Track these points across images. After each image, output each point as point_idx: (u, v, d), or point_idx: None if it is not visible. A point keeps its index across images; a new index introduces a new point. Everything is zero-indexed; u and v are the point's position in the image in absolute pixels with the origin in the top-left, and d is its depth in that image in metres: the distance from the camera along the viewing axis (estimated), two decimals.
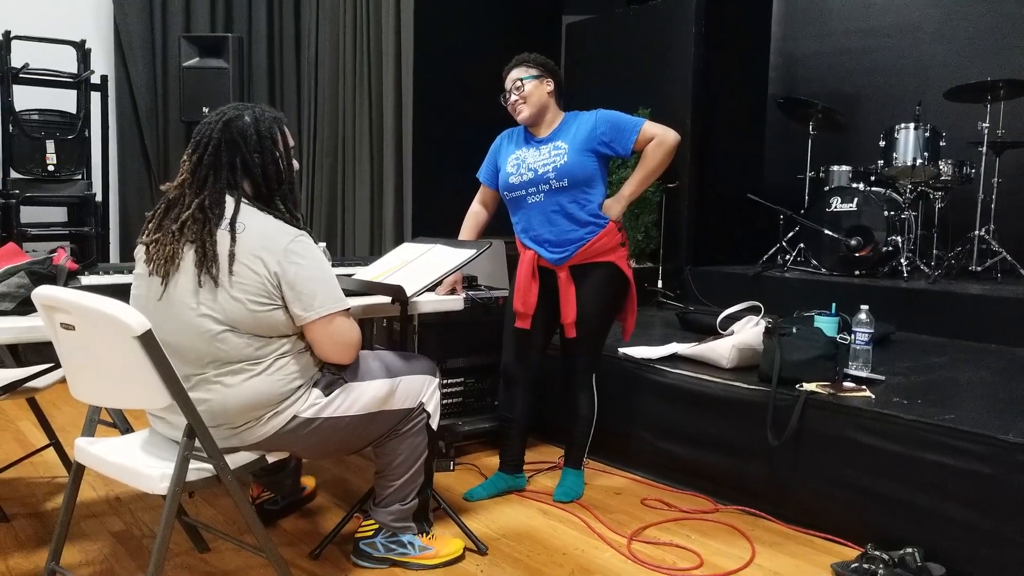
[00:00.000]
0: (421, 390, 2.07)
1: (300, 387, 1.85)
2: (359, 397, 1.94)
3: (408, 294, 2.14)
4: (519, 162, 2.61)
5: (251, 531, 1.82)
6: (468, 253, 2.26)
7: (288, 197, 1.87)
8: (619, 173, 4.43)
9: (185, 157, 1.83)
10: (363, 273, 2.43)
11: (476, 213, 2.79)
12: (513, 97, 2.57)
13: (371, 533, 2.14)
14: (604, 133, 2.52)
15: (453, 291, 2.55)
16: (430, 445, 2.12)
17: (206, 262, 1.71)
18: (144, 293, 1.81)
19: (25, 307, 1.88)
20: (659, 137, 2.52)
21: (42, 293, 1.69)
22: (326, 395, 1.89)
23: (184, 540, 2.26)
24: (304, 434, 1.86)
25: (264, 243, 1.73)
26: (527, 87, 2.55)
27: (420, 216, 4.48)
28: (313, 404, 1.86)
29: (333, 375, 1.93)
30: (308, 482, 2.66)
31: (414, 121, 4.44)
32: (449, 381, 3.16)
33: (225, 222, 1.74)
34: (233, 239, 1.72)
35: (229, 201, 1.77)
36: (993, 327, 3.50)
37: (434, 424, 2.12)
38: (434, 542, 2.19)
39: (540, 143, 2.59)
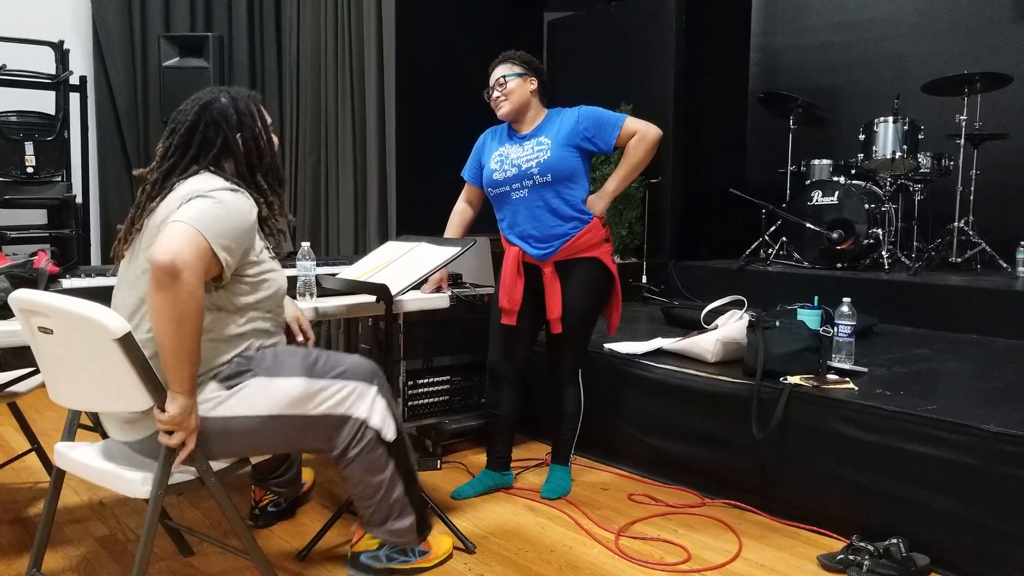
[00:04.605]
0: (351, 399, 1.84)
1: (198, 383, 1.69)
2: (266, 394, 1.75)
3: (393, 293, 2.13)
4: (502, 158, 2.61)
5: (236, 533, 1.81)
6: (452, 251, 2.26)
7: (271, 172, 1.86)
8: (601, 169, 4.43)
9: (160, 144, 1.81)
10: (348, 272, 2.42)
11: (461, 211, 2.79)
12: (495, 93, 2.58)
13: (375, 547, 2.06)
14: (587, 129, 2.54)
15: (439, 289, 2.55)
16: (394, 456, 1.91)
17: (131, 233, 1.71)
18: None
19: (4, 311, 1.86)
20: (641, 133, 2.54)
21: (19, 297, 1.67)
22: (227, 388, 1.73)
23: (169, 544, 2.25)
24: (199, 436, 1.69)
25: (187, 189, 1.66)
26: (510, 84, 2.56)
27: (404, 214, 4.46)
28: (207, 400, 1.70)
29: (243, 366, 1.75)
30: (307, 476, 2.61)
31: (397, 119, 4.42)
32: (435, 379, 3.16)
33: (167, 191, 1.71)
34: (161, 199, 1.69)
35: (192, 172, 1.75)
36: (973, 318, 3.53)
37: (388, 435, 1.89)
38: (429, 544, 2.16)
39: (523, 139, 2.60)
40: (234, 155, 1.80)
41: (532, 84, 2.60)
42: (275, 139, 1.91)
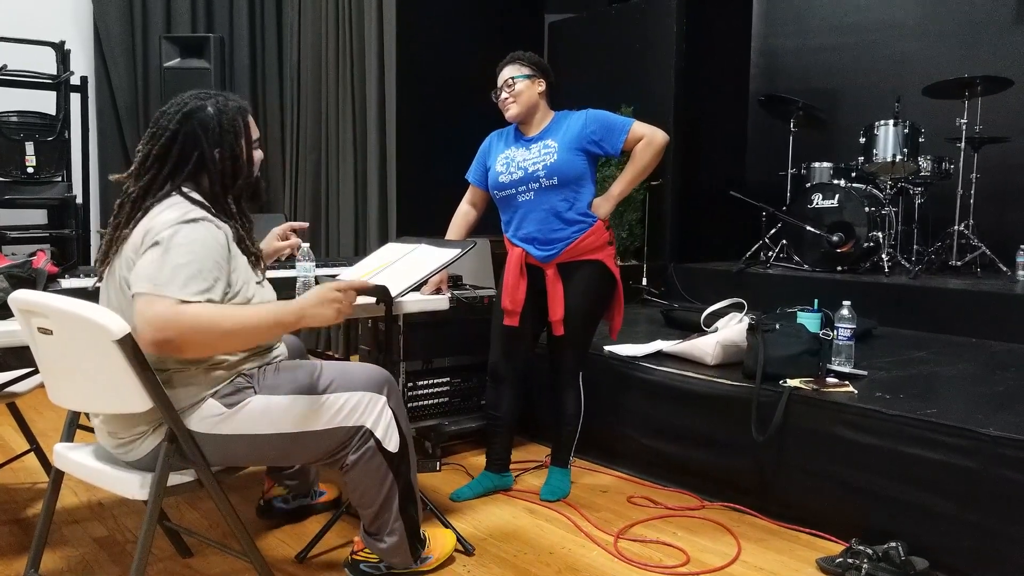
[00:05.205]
0: (359, 409, 1.81)
1: (196, 403, 1.69)
2: (267, 413, 1.71)
3: (393, 294, 2.13)
4: (508, 161, 2.61)
5: (235, 535, 1.81)
6: (453, 252, 2.26)
7: (245, 192, 1.79)
8: (602, 171, 4.43)
9: (139, 146, 1.74)
10: (348, 273, 2.42)
11: (465, 213, 2.78)
12: (504, 95, 2.57)
13: (376, 559, 2.04)
14: (594, 132, 2.53)
15: (438, 291, 2.54)
16: (393, 468, 1.88)
17: (109, 255, 1.68)
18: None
19: (4, 311, 1.86)
20: (648, 137, 2.53)
21: (19, 297, 1.67)
22: (227, 407, 1.70)
23: (168, 545, 2.24)
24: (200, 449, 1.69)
25: (150, 225, 1.61)
26: (518, 86, 2.55)
27: (404, 215, 4.47)
28: (207, 418, 1.68)
29: (243, 384, 1.73)
30: (327, 489, 2.57)
31: (397, 120, 4.42)
32: (435, 381, 3.16)
33: (141, 212, 1.66)
34: (135, 224, 1.64)
35: (164, 192, 1.69)
36: (973, 321, 3.53)
37: (390, 447, 1.85)
38: (430, 548, 2.13)
39: (530, 142, 2.60)
40: (208, 172, 1.73)
41: (540, 86, 2.59)
42: (258, 155, 1.83)
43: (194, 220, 1.62)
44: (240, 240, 1.76)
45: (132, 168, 1.74)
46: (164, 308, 1.52)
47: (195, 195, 1.71)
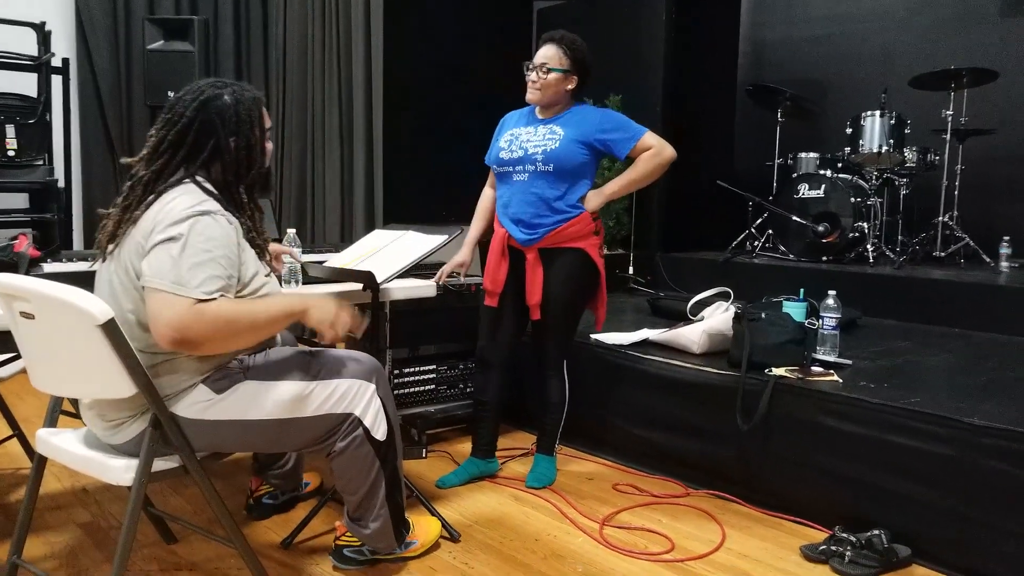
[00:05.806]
0: (348, 396, 1.82)
1: (186, 388, 1.69)
2: (256, 398, 1.72)
3: (379, 280, 2.12)
4: (512, 139, 2.60)
5: (220, 521, 1.80)
6: (440, 239, 2.25)
7: (258, 183, 1.79)
8: None
9: (152, 131, 1.74)
10: (335, 260, 2.41)
11: (488, 197, 2.78)
12: (533, 76, 2.54)
13: (358, 544, 2.05)
14: (605, 131, 2.52)
15: (457, 275, 2.56)
16: (380, 456, 1.88)
17: (116, 236, 1.66)
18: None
19: None
20: (656, 148, 2.53)
21: (0, 281, 1.65)
22: (216, 392, 1.70)
23: (152, 531, 2.23)
24: (188, 435, 1.69)
25: (161, 214, 1.60)
26: (550, 77, 2.51)
27: (391, 202, 4.44)
28: (197, 402, 1.68)
29: (234, 370, 1.74)
30: (311, 478, 2.56)
31: (384, 105, 4.39)
32: (421, 368, 3.15)
33: (153, 196, 1.65)
34: (146, 207, 1.63)
35: (177, 178, 1.68)
36: (956, 312, 3.56)
37: (378, 435, 1.86)
38: (415, 534, 2.13)
39: (539, 123, 2.59)
40: (223, 161, 1.73)
41: (571, 83, 2.54)
42: (269, 146, 1.84)
43: (208, 213, 1.62)
44: (248, 231, 1.75)
45: (144, 152, 1.73)
46: (184, 309, 1.53)
47: (207, 184, 1.70)
